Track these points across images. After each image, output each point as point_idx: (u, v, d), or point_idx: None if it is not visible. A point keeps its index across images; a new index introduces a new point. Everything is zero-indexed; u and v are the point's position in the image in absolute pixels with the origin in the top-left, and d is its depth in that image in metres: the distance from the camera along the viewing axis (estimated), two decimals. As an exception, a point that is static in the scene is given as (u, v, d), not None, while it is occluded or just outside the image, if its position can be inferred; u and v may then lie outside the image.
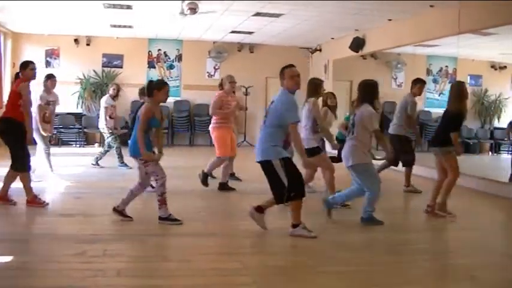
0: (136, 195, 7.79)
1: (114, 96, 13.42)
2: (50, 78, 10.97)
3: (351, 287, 5.47)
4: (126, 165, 12.89)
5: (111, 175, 12.05)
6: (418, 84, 11.07)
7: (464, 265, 6.22)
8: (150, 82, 7.99)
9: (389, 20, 14.98)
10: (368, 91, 7.93)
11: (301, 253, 6.60)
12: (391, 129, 11.28)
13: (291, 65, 7.31)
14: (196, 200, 9.75)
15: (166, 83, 7.84)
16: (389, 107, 16.90)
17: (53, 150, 11.06)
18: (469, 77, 21.63)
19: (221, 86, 10.69)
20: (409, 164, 11.14)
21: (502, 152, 21.51)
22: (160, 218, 7.55)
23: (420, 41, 14.87)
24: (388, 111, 16.15)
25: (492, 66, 21.53)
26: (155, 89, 7.64)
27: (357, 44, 17.11)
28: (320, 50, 20.70)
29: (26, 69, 8.53)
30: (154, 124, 7.62)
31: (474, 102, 21.66)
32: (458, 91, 8.65)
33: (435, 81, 21.00)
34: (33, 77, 8.61)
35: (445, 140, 8.55)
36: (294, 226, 7.08)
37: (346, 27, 16.70)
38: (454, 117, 8.59)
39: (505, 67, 21.41)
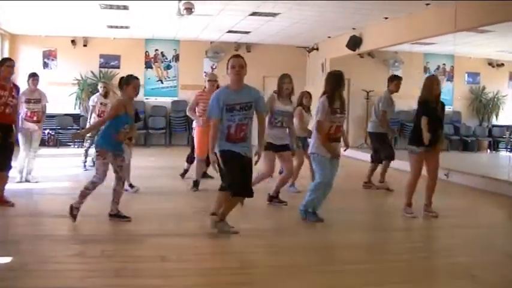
0: (121, 192, 7.80)
1: (105, 95, 13.27)
2: (32, 77, 10.91)
3: (349, 285, 5.46)
4: (84, 166, 12.96)
5: (108, 176, 12.03)
6: (395, 81, 11.05)
7: (464, 264, 6.22)
8: (121, 78, 7.95)
9: (386, 18, 14.98)
10: (330, 82, 7.83)
11: (299, 252, 6.58)
12: (369, 127, 11.30)
13: (237, 55, 7.03)
14: (194, 200, 9.74)
15: (134, 78, 7.70)
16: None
17: (51, 151, 11.03)
18: (466, 75, 21.71)
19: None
20: (388, 158, 11.17)
21: (500, 149, 21.55)
22: (70, 207, 7.51)
23: (417, 39, 14.89)
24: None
25: (490, 64, 21.59)
26: (124, 84, 7.63)
27: (354, 43, 17.10)
28: (317, 49, 20.68)
29: (2, 67, 8.46)
30: (126, 121, 7.57)
31: (472, 99, 21.73)
32: (426, 82, 8.59)
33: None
34: (10, 74, 8.45)
35: (413, 139, 8.59)
36: (213, 214, 7.15)
37: (343, 26, 16.70)
38: (419, 105, 8.60)
39: (503, 64, 21.48)
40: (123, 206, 7.82)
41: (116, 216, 7.67)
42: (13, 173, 10.34)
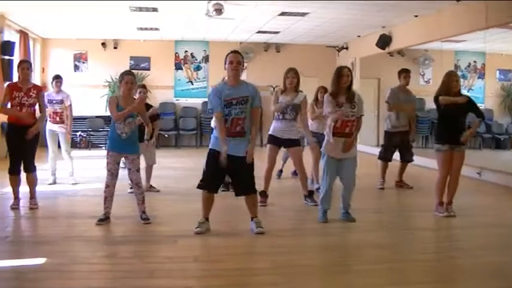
0: (137, 194, 7.80)
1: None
2: (55, 79, 11.06)
3: (380, 285, 5.43)
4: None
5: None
6: (403, 74, 10.93)
7: (495, 263, 6.15)
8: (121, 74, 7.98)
9: (416, 16, 14.91)
10: (332, 78, 7.85)
11: (329, 252, 6.58)
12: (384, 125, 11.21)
13: (235, 51, 7.23)
14: (223, 200, 9.75)
15: (126, 74, 7.72)
16: (417, 103, 16.80)
17: (83, 153, 11.14)
18: (498, 72, 21.44)
19: None
20: (382, 158, 11.17)
21: (534, 147, 21.27)
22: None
23: (447, 36, 14.76)
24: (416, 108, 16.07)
25: (521, 60, 21.27)
26: (119, 81, 7.70)
27: (384, 41, 17.04)
28: (347, 48, 20.64)
29: (18, 69, 8.56)
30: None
31: (504, 97, 21.45)
32: (445, 79, 8.36)
33: (464, 77, 20.77)
34: (26, 76, 8.49)
35: (438, 137, 8.51)
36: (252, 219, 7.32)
37: (372, 25, 16.65)
38: (434, 102, 8.48)
39: (535, 61, 21.16)
40: (155, 207, 7.88)
41: (140, 217, 7.74)
42: (46, 175, 10.52)
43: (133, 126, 7.67)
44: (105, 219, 7.60)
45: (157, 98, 19.24)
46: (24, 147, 8.38)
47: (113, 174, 7.63)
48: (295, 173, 11.96)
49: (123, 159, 7.71)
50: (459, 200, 8.63)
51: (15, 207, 8.47)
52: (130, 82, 7.59)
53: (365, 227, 7.76)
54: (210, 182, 7.13)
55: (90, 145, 19.16)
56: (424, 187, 10.98)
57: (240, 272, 5.69)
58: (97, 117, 19.39)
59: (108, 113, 19.25)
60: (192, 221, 7.36)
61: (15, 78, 15.49)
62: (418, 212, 9.16)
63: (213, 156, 6.97)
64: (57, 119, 10.94)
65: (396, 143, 10.88)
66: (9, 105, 8.34)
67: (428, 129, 19.52)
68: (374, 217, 8.47)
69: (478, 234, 7.62)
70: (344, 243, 7.09)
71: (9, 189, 8.68)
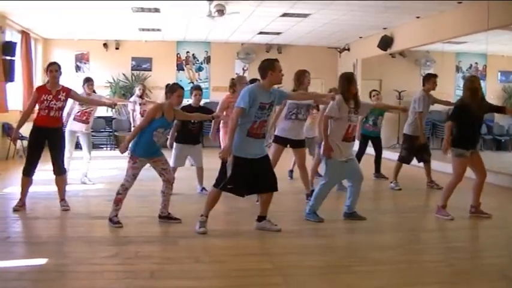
0: (169, 195, 7.85)
1: (141, 95, 13.42)
2: (86, 82, 11.09)
3: (382, 286, 5.44)
4: None
5: (142, 177, 12.08)
6: (432, 78, 10.86)
7: (497, 265, 6.14)
8: (167, 85, 7.97)
9: (417, 17, 14.92)
10: (341, 83, 7.92)
11: (332, 253, 6.58)
12: (405, 129, 11.12)
13: (276, 60, 7.19)
14: (225, 201, 9.70)
15: (179, 87, 7.69)
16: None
17: (84, 153, 11.07)
18: (499, 74, 21.43)
19: (232, 87, 10.43)
20: (403, 161, 11.13)
21: (535, 148, 21.25)
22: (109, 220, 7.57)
23: (449, 38, 14.77)
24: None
25: (523, 62, 21.24)
26: (169, 92, 7.64)
27: (385, 43, 17.04)
28: (348, 50, 20.63)
29: (47, 72, 8.54)
30: (162, 124, 7.50)
31: (505, 98, 21.43)
32: (474, 85, 8.27)
33: (465, 78, 20.75)
34: (54, 78, 8.42)
35: (453, 140, 8.35)
36: (262, 219, 7.41)
37: (374, 26, 16.65)
38: (458, 109, 8.42)
39: (537, 62, 21.13)
40: (155, 208, 7.88)
41: (167, 218, 7.78)
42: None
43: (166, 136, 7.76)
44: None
45: (158, 98, 19.20)
46: (53, 148, 8.39)
47: (135, 179, 7.63)
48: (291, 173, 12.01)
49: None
50: (462, 201, 8.66)
51: (19, 208, 8.34)
52: (182, 96, 7.65)
53: (368, 228, 7.75)
54: (239, 186, 7.18)
55: (91, 145, 19.09)
56: (421, 188, 11.01)
57: (243, 273, 5.68)
58: (98, 117, 19.33)
59: (109, 114, 19.42)
60: (193, 222, 7.36)
61: (17, 78, 15.67)
62: (419, 213, 9.16)
63: (243, 164, 6.97)
64: (84, 118, 10.98)
65: (418, 145, 10.85)
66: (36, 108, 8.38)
67: (430, 131, 19.53)
68: (377, 218, 8.43)
69: (483, 236, 7.64)
70: (346, 244, 7.09)
71: (11, 189, 8.67)
